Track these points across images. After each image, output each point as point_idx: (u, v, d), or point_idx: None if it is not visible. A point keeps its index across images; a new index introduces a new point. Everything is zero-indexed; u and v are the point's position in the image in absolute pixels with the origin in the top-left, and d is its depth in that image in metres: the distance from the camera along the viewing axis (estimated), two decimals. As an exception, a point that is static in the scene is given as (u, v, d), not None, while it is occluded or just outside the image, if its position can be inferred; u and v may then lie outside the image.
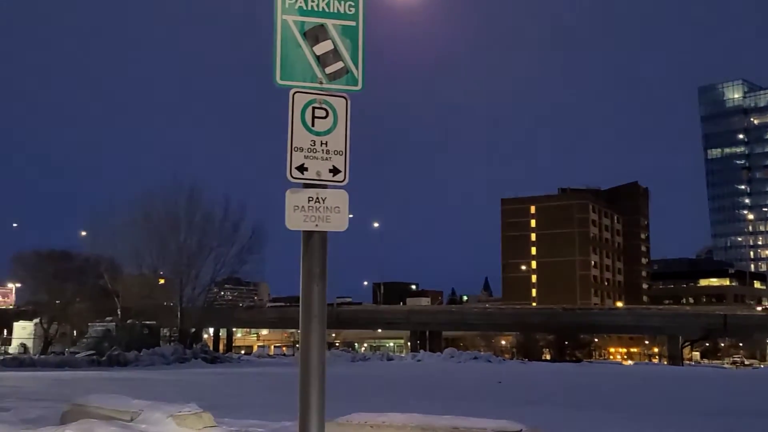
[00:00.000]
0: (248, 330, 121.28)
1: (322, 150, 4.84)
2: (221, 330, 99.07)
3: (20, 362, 46.70)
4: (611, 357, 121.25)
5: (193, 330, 63.74)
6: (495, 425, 8.33)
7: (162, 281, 67.36)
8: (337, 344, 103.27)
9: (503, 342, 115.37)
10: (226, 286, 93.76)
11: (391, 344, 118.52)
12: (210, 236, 63.55)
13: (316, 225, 4.76)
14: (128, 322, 60.70)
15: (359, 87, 4.97)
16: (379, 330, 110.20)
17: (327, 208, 4.78)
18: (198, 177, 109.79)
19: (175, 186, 63.11)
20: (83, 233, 72.36)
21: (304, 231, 4.78)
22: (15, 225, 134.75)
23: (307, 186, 4.82)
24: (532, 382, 35.18)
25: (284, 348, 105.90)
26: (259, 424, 12.92)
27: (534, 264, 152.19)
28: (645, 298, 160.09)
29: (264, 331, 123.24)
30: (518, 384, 33.06)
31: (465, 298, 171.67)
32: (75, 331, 68.02)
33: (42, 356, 53.67)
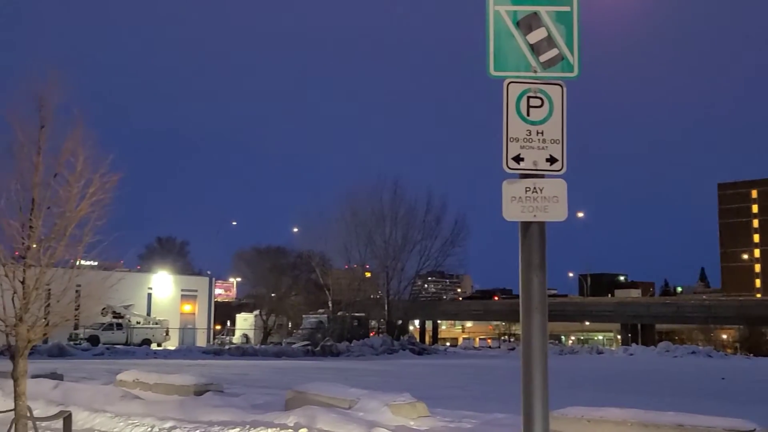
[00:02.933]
0: (452, 322, 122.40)
1: (539, 139, 4.75)
2: (426, 322, 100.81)
3: (243, 351, 50.18)
4: None
5: (400, 322, 65.35)
6: (726, 423, 7.78)
7: (369, 275, 69.71)
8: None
9: (724, 336, 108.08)
10: (430, 278, 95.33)
11: (600, 337, 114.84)
12: (414, 230, 64.95)
13: (534, 215, 4.69)
14: (339, 314, 63.30)
15: (575, 74, 4.82)
16: (587, 323, 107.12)
17: (545, 198, 4.69)
18: (400, 172, 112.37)
19: (379, 182, 65.06)
20: (295, 230, 76.45)
21: (521, 222, 4.72)
22: (234, 223, 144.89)
23: (523, 176, 4.75)
24: (759, 378, 32.71)
25: (489, 340, 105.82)
26: (472, 414, 12.97)
27: (757, 252, 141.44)
28: None
29: (468, 323, 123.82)
30: (744, 380, 30.89)
31: (679, 289, 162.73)
32: (290, 323, 72.00)
33: (262, 346, 57.30)
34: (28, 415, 8.30)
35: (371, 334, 61.64)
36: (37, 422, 8.55)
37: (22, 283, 8.12)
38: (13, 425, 8.23)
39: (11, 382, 15.36)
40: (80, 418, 12.48)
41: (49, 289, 8.53)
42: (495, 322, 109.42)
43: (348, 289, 65.56)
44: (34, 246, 8.18)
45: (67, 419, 8.71)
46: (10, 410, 8.45)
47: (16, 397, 8.17)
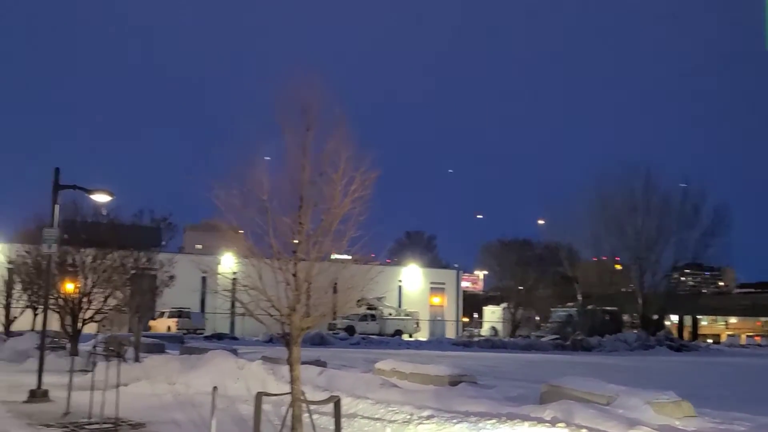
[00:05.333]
0: (714, 318, 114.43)
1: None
2: (685, 317, 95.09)
3: (492, 344, 50.49)
4: None
5: (656, 317, 62.22)
6: None
7: (620, 267, 67.12)
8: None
9: None
10: (687, 271, 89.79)
11: None
12: (669, 220, 61.44)
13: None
14: (589, 307, 61.62)
15: None
16: None
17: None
18: (652, 158, 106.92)
19: (630, 170, 62.39)
20: (541, 222, 75.52)
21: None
22: (479, 216, 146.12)
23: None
24: None
25: (757, 338, 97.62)
26: (744, 417, 12.05)
27: None
28: None
29: (732, 319, 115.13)
30: None
31: None
32: (538, 316, 71.31)
33: (511, 339, 57.30)
34: (302, 398, 8.93)
35: (624, 329, 59.33)
36: (310, 405, 9.18)
37: (294, 275, 8.75)
38: (290, 407, 8.90)
39: (282, 367, 16.67)
40: (344, 403, 13.18)
41: (310, 282, 9.08)
42: (764, 318, 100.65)
43: (598, 282, 63.59)
44: (304, 241, 8.79)
45: (337, 404, 9.28)
46: (287, 393, 9.15)
47: (292, 381, 8.83)
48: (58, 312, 25.26)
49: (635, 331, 56.81)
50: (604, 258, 66.93)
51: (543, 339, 54.31)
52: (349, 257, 9.28)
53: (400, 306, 65.81)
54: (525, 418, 11.37)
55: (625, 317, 63.73)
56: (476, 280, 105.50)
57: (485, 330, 69.60)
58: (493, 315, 72.63)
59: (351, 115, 8.80)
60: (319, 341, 42.86)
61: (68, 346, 26.55)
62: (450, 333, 67.02)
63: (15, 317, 37.14)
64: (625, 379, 18.70)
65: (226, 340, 45.16)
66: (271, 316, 8.86)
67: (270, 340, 42.23)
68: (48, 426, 12.23)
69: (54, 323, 22.88)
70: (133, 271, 27.28)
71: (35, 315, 35.29)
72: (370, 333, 55.06)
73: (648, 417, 11.26)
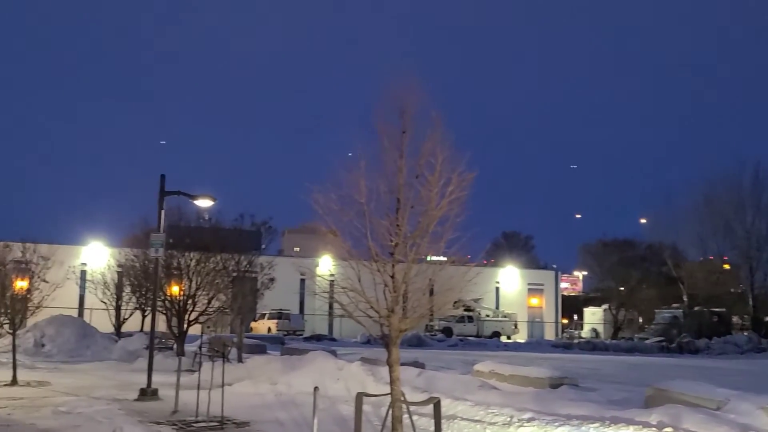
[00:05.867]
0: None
1: None
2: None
3: (593, 346, 49.39)
4: None
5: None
6: None
7: (728, 267, 64.57)
8: None
9: None
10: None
11: None
12: (781, 217, 58.78)
13: None
14: (695, 309, 59.50)
15: None
16: None
17: None
18: (762, 154, 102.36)
19: (738, 166, 59.97)
20: (643, 221, 73.40)
21: None
22: (578, 216, 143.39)
23: None
24: None
25: None
26: None
27: None
28: None
29: None
30: None
31: None
32: (641, 317, 69.27)
33: (612, 341, 55.87)
34: (402, 398, 8.97)
35: (733, 332, 56.97)
36: (410, 406, 9.21)
37: (392, 277, 8.81)
38: (390, 407, 8.96)
39: (381, 368, 16.80)
40: (443, 404, 13.17)
41: (407, 283, 9.11)
42: None
43: (705, 283, 61.24)
44: (401, 243, 8.83)
45: (437, 405, 9.28)
46: (387, 394, 9.21)
47: (392, 381, 8.88)
48: (164, 313, 26.22)
49: (745, 334, 54.47)
50: (710, 258, 64.51)
51: (647, 341, 52.72)
52: (444, 259, 9.26)
53: (497, 307, 65.30)
54: (630, 422, 11.08)
55: (735, 319, 61.21)
56: (575, 281, 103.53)
57: (585, 332, 68.14)
58: (593, 316, 71.02)
59: (447, 116, 8.78)
60: (417, 343, 42.97)
61: (175, 346, 27.53)
62: (549, 335, 66.03)
63: (125, 319, 38.80)
64: (736, 384, 17.93)
65: (325, 341, 45.84)
66: (370, 317, 8.95)
67: (368, 342, 42.62)
68: (158, 423, 12.70)
69: (161, 324, 23.76)
70: (234, 274, 28.04)
71: (143, 316, 36.79)
72: (468, 334, 54.89)
73: (762, 423, 10.79)
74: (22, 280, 21.29)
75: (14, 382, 18.80)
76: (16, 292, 20.66)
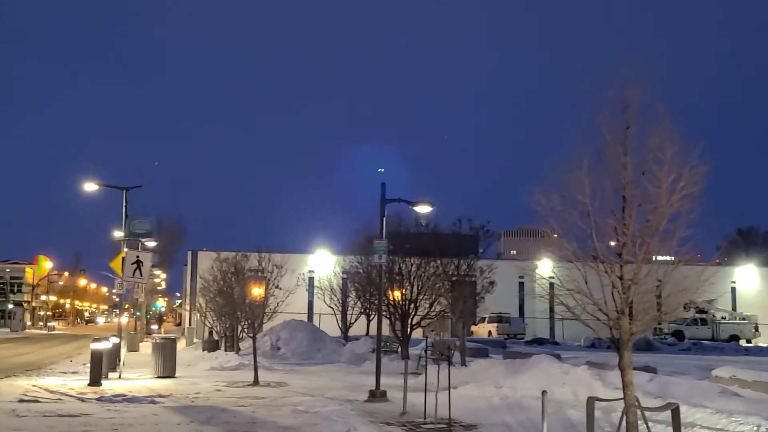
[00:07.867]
0: None
1: None
2: None
3: None
4: None
5: None
6: None
7: None
8: None
9: None
10: None
11: None
12: None
13: None
14: None
15: None
16: None
17: None
18: None
19: None
20: None
21: None
22: None
23: None
24: None
25: None
26: None
27: None
28: None
29: None
30: None
31: None
32: None
33: None
34: (637, 404, 8.60)
35: None
36: (645, 411, 8.81)
37: (620, 278, 8.48)
38: (624, 413, 8.62)
39: (609, 373, 16.23)
40: (680, 411, 12.53)
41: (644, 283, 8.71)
42: None
43: None
44: (629, 242, 8.47)
45: (675, 411, 8.80)
46: (619, 399, 8.87)
47: (624, 386, 8.53)
48: (388, 317, 27.07)
49: None
50: None
51: None
52: (671, 258, 8.77)
53: (734, 309, 60.82)
54: None
55: None
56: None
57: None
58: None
59: (676, 108, 8.31)
60: (645, 346, 41.09)
61: (399, 349, 28.33)
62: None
63: (351, 323, 40.51)
64: None
65: (547, 344, 45.14)
66: (598, 320, 8.67)
67: (592, 345, 41.39)
68: (388, 424, 13.10)
69: (385, 328, 24.59)
70: (454, 278, 28.36)
71: (368, 320, 38.20)
72: (701, 338, 51.78)
73: None
74: (259, 287, 22.91)
75: (256, 382, 20.22)
76: (254, 299, 22.29)
